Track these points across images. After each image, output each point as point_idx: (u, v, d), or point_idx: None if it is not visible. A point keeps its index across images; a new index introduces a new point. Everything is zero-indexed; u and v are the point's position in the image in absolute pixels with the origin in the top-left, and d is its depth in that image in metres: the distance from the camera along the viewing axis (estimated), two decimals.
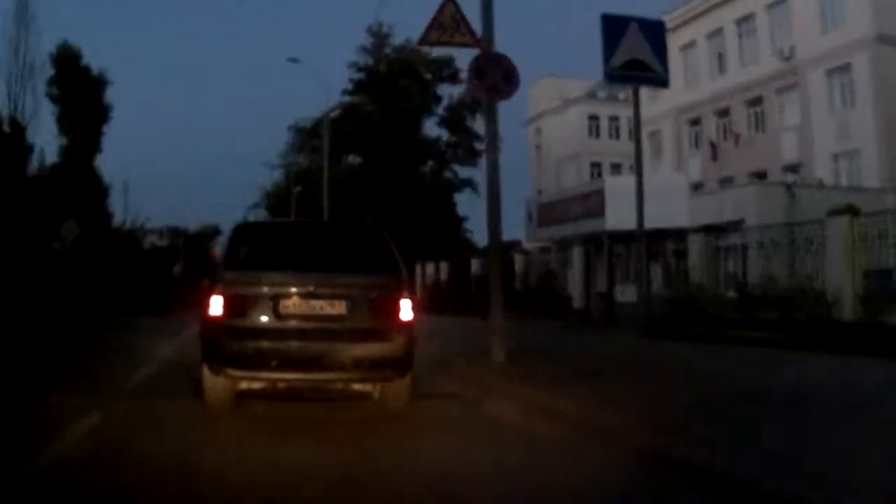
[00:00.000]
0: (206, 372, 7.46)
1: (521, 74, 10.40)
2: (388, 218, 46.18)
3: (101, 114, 36.87)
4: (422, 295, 34.95)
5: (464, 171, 51.41)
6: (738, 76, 39.36)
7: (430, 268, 33.67)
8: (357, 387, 7.83)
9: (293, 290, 7.26)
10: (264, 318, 7.21)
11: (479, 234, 52.74)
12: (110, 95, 37.57)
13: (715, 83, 40.65)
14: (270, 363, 7.20)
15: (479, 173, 50.43)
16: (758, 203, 26.97)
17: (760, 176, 36.53)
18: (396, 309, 7.36)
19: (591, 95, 55.45)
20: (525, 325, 18.26)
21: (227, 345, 7.16)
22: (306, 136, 52.65)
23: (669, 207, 28.69)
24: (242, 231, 8.28)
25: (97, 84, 36.85)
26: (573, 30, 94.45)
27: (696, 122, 42.33)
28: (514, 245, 46.07)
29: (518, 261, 24.29)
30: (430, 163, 51.42)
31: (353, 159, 52.12)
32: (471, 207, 52.15)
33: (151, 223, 66.51)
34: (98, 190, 35.69)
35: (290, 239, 8.31)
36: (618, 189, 30.14)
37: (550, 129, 56.97)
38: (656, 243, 25.76)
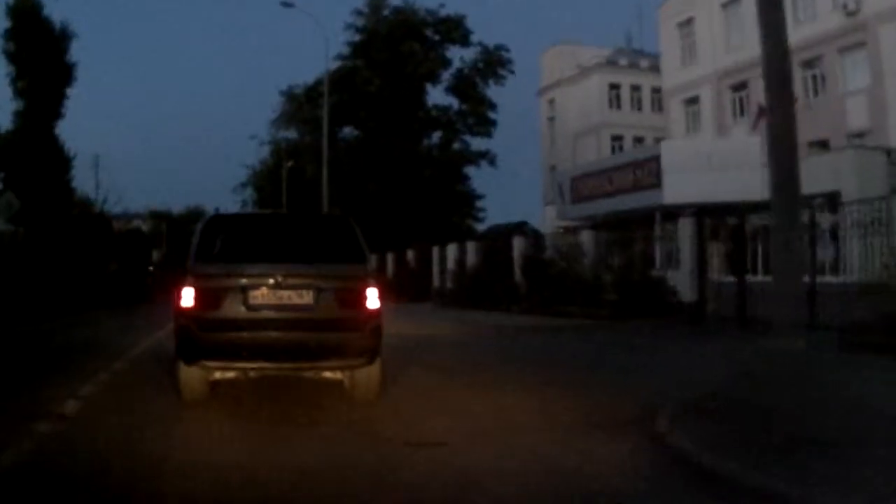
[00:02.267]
0: (180, 363, 7.61)
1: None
2: (391, 195, 41.53)
3: (64, 73, 31.58)
4: (440, 283, 30.37)
5: (477, 143, 46.34)
6: (791, 34, 33.84)
7: (451, 251, 28.71)
8: (328, 375, 7.87)
9: (262, 280, 7.40)
10: (235, 309, 7.35)
11: (493, 212, 48.16)
12: (77, 54, 32.47)
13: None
14: (242, 353, 7.38)
15: (493, 145, 45.78)
16: (857, 171, 22.39)
17: (822, 145, 32.07)
18: (363, 298, 7.48)
19: (611, 62, 50.63)
20: (624, 331, 13.65)
21: (199, 336, 7.31)
22: (298, 106, 47.44)
23: (740, 177, 24.23)
24: (213, 223, 8.31)
25: (60, 39, 31.61)
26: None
27: (740, 87, 37.62)
28: (521, 226, 41.48)
29: (587, 238, 19.49)
30: (438, 134, 46.37)
31: (350, 132, 47.08)
32: (485, 184, 47.24)
33: (135, 207, 62.55)
34: (59, 161, 30.50)
35: (260, 231, 8.46)
36: (677, 155, 25.76)
37: (566, 99, 52.04)
38: (717, 220, 21.07)
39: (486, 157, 45.21)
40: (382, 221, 41.62)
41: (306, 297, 7.37)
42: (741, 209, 15.50)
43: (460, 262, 27.23)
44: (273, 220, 9.55)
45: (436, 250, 31.30)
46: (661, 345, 12.73)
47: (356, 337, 7.33)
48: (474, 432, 6.46)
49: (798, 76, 34.71)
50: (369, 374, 7.66)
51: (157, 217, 71.33)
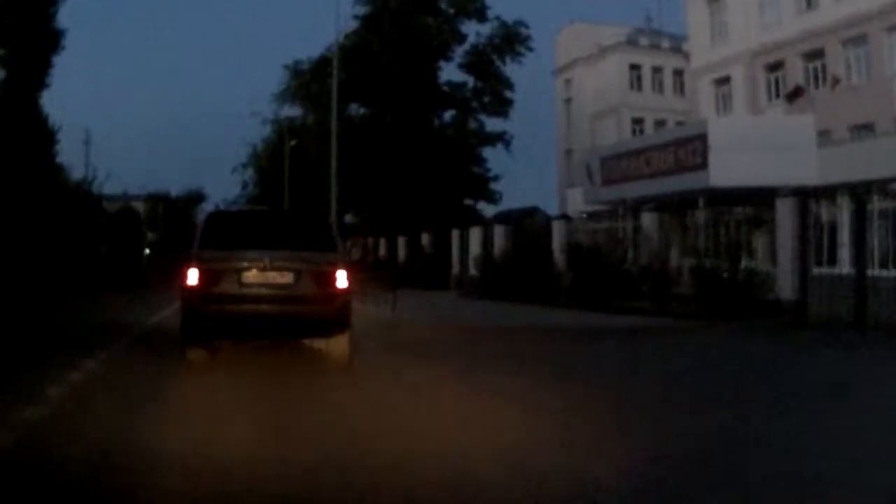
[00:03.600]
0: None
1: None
2: (401, 176, 39.10)
3: (51, 40, 29.05)
4: (460, 270, 28.03)
5: (491, 124, 43.71)
6: (832, 12, 32.34)
7: (475, 235, 26.28)
8: (307, 342, 9.99)
9: (253, 264, 9.11)
10: (230, 287, 9.02)
11: (508, 195, 45.63)
12: (66, 22, 29.91)
13: (802, 20, 33.60)
14: (236, 322, 9.05)
15: (509, 126, 43.21)
16: None
17: (867, 129, 29.83)
18: (333, 279, 9.15)
19: (631, 42, 48.20)
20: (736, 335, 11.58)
21: (201, 308, 8.96)
22: (303, 81, 44.88)
23: (791, 160, 21.92)
24: (214, 218, 10.74)
25: (46, 3, 29.05)
26: None
27: (776, 66, 35.27)
28: (532, 212, 39.08)
29: (650, 222, 16.83)
30: (451, 113, 43.81)
31: (357, 109, 44.53)
32: (496, 166, 44.55)
33: (133, 189, 60.05)
34: (43, 135, 27.95)
35: (252, 224, 10.27)
36: (726, 134, 23.37)
37: (583, 80, 49.65)
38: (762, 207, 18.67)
39: (502, 139, 42.64)
40: (391, 203, 39.27)
41: (287, 278, 9.08)
42: (859, 189, 13.04)
43: (486, 247, 24.79)
44: (262, 216, 12.31)
45: (455, 234, 28.92)
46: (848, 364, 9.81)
47: (328, 310, 8.97)
48: None
49: (840, 56, 32.49)
50: (342, 343, 9.35)
51: (155, 199, 68.84)
